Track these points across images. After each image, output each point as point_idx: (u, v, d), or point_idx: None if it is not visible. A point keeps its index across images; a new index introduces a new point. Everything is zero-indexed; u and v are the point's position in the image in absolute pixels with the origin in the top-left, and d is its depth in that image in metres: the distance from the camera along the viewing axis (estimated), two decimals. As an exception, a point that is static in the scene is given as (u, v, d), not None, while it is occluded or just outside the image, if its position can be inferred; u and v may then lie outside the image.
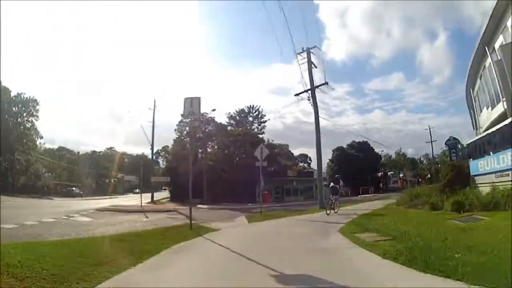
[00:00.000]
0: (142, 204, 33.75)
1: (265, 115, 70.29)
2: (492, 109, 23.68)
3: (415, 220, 13.07)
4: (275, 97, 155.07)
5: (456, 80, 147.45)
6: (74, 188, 71.78)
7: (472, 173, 19.94)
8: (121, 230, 13.14)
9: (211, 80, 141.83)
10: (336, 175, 23.53)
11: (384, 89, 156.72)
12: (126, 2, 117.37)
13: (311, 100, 29.24)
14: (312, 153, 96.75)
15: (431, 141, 64.07)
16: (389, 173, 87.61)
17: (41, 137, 67.94)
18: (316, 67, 30.28)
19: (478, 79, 28.17)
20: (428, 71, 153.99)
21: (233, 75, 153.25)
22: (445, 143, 47.37)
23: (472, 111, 39.31)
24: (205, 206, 34.91)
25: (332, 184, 21.21)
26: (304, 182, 61.84)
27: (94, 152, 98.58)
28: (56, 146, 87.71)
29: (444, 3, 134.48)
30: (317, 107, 28.98)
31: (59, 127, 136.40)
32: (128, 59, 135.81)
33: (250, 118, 71.20)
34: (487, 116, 25.98)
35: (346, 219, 15.05)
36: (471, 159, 21.24)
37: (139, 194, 40.80)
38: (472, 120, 44.48)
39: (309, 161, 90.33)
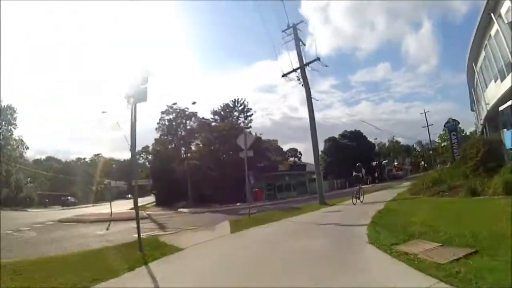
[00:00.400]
0: (119, 211, 30.99)
1: (251, 109, 66.96)
2: (502, 81, 21.38)
3: (465, 213, 10.05)
4: (261, 94, 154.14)
5: (443, 67, 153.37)
6: (69, 198, 70.08)
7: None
8: (48, 251, 10.75)
9: (196, 81, 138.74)
10: (358, 164, 21.79)
11: (370, 80, 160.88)
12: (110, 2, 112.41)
13: (301, 80, 25.06)
14: (301, 147, 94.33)
15: (427, 126, 60.63)
16: (383, 161, 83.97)
17: (27, 148, 66.22)
18: (304, 44, 26.46)
19: (483, 51, 25.61)
20: (414, 60, 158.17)
21: (219, 74, 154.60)
22: (445, 126, 43.97)
23: (472, 89, 37.20)
24: (186, 210, 31.00)
25: (354, 173, 20.78)
26: (297, 177, 58.86)
27: (79, 159, 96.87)
28: (44, 157, 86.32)
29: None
30: (308, 87, 25.33)
31: (49, 137, 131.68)
32: (111, 59, 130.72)
33: (236, 113, 67.35)
34: (495, 90, 23.89)
35: (365, 218, 11.52)
36: (505, 130, 17.46)
37: (131, 200, 37.60)
38: (472, 99, 41.41)
39: (300, 155, 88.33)
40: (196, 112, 53.28)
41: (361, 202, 18.69)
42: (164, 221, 22.78)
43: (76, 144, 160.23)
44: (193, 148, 55.01)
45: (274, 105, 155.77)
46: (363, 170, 22.17)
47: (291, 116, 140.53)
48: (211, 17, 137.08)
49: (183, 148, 52.86)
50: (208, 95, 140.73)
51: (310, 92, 25.17)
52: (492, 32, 21.57)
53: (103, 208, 42.55)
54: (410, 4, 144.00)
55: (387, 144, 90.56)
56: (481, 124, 36.15)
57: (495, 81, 23.33)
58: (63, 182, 79.77)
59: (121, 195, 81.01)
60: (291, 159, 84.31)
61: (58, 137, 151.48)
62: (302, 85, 25.20)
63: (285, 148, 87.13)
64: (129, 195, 65.90)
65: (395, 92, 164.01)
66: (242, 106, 67.69)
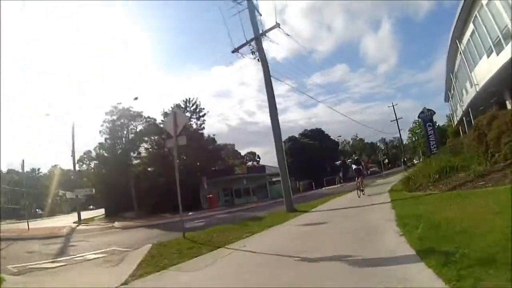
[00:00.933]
0: (50, 226, 27.25)
1: (203, 108, 59.95)
2: (498, 54, 18.98)
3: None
4: (218, 99, 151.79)
5: (403, 66, 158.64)
6: (38, 210, 69.22)
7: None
8: None
9: (153, 86, 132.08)
10: (356, 157, 23.46)
11: (328, 82, 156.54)
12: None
13: (256, 54, 19.54)
14: (260, 151, 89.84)
15: (396, 119, 56.58)
16: (347, 161, 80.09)
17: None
18: (260, 15, 21.63)
19: (470, 24, 22.97)
20: (373, 60, 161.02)
21: (176, 80, 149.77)
22: (419, 116, 39.56)
23: (452, 75, 34.21)
24: (119, 225, 24.88)
25: (354, 166, 20.39)
26: (256, 180, 53.07)
27: (33, 170, 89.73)
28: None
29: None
30: (266, 62, 19.62)
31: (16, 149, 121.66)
32: (68, 64, 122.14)
33: (188, 113, 60.70)
34: (488, 65, 21.15)
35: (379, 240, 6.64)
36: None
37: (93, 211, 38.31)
38: (448, 88, 37.61)
39: (258, 159, 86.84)
40: (141, 112, 48.02)
41: (364, 194, 18.55)
42: (73, 243, 16.29)
43: (40, 155, 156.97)
44: (142, 152, 49.96)
45: (231, 111, 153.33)
46: (363, 163, 22.19)
47: (248, 121, 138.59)
48: (168, 21, 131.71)
49: (132, 153, 48.14)
50: (167, 99, 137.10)
51: (268, 68, 19.70)
52: (484, 0, 19.43)
53: (53, 221, 39.11)
54: (370, 3, 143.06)
55: (351, 142, 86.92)
56: (462, 112, 32.14)
57: (488, 56, 20.71)
58: (19, 194, 72.21)
59: (83, 206, 75.94)
60: (250, 163, 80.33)
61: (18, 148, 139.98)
62: (258, 59, 19.71)
63: (243, 153, 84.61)
64: (91, 206, 59.62)
65: (354, 93, 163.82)
66: (194, 106, 61.30)
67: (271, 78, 19.59)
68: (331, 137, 71.38)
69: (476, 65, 24.09)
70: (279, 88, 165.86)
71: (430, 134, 38.29)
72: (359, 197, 17.95)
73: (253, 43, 19.97)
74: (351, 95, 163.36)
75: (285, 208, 17.32)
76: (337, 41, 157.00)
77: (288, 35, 21.53)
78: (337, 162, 71.59)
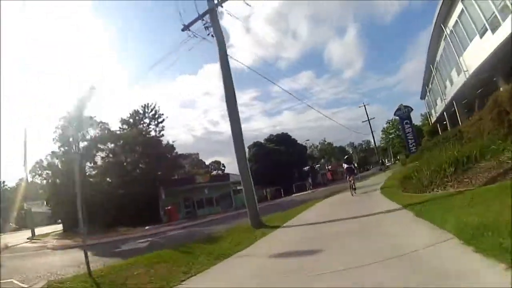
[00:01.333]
0: None
1: (162, 114, 54.88)
2: (493, 32, 17.02)
3: None
4: (183, 110, 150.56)
5: (369, 71, 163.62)
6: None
7: None
8: None
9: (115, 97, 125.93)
10: (347, 156, 22.82)
11: (292, 89, 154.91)
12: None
13: (210, 30, 15.20)
14: (224, 160, 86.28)
15: (368, 120, 53.19)
16: (316, 166, 76.67)
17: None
18: None
19: (459, 4, 20.58)
20: (339, 65, 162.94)
21: (140, 91, 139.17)
22: (395, 114, 36.12)
23: (432, 66, 31.37)
24: (53, 245, 20.82)
25: (346, 165, 19.91)
26: (219, 189, 48.50)
27: None
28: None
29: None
30: (223, 42, 15.22)
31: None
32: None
33: (147, 120, 55.49)
34: (480, 48, 18.98)
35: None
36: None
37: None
38: (426, 83, 34.59)
39: (223, 168, 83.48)
40: (93, 117, 42.08)
41: (355, 193, 17.95)
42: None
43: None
44: (98, 162, 45.14)
45: (196, 121, 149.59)
46: (354, 162, 22.82)
47: (212, 131, 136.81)
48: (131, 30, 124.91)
49: (88, 163, 43.91)
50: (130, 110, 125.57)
51: (225, 48, 15.34)
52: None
53: (9, 237, 36.73)
54: (336, 9, 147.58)
55: (319, 146, 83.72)
56: (445, 105, 28.98)
57: (481, 36, 18.50)
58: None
59: (50, 220, 70.33)
60: (214, 172, 76.38)
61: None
62: (212, 35, 15.34)
63: (208, 162, 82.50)
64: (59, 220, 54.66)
65: (320, 99, 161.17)
66: (153, 112, 56.18)
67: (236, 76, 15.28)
68: (298, 142, 67.58)
69: (465, 50, 21.49)
70: (242, 97, 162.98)
71: (408, 132, 35.23)
72: (352, 195, 17.45)
73: (207, 17, 15.64)
74: (317, 101, 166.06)
75: (250, 222, 12.98)
76: (302, 47, 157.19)
77: (249, 5, 17.25)
78: (306, 168, 68.08)
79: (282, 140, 63.73)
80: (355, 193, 17.89)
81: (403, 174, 14.69)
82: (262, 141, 63.89)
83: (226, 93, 14.34)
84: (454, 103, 27.03)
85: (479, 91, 24.30)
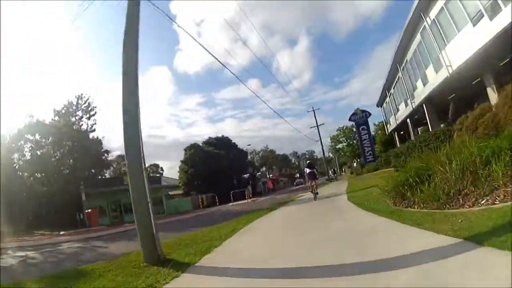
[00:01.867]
0: None
1: (96, 107, 47.31)
2: (492, 19, 14.18)
3: None
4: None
5: (316, 83, 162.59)
6: None
7: None
8: None
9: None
10: (309, 161, 20.91)
11: (236, 98, 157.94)
12: None
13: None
14: (166, 165, 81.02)
15: (317, 125, 49.05)
16: (256, 174, 71.88)
17: None
18: None
19: None
20: (286, 76, 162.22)
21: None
22: (350, 119, 31.99)
23: (398, 66, 27.55)
24: None
25: (308, 170, 18.35)
26: (151, 192, 40.74)
27: None
28: None
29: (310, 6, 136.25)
30: None
31: None
32: None
33: (80, 112, 47.81)
34: (471, 39, 15.95)
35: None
36: None
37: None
38: (387, 87, 30.76)
39: (161, 171, 79.90)
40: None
41: (316, 198, 16.53)
42: None
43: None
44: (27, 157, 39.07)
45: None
46: (316, 167, 22.17)
47: (153, 135, 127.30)
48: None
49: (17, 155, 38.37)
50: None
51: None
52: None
53: None
54: (290, 21, 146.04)
55: (261, 153, 79.05)
56: (412, 109, 25.22)
57: (475, 25, 15.54)
58: None
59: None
60: (152, 174, 68.34)
61: None
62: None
63: (146, 165, 70.70)
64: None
65: (264, 109, 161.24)
66: (86, 104, 48.57)
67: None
68: (238, 147, 62.20)
69: (450, 41, 17.92)
70: (186, 102, 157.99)
71: (365, 140, 31.20)
72: (314, 200, 16.30)
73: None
74: (261, 111, 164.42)
75: (143, 255, 7.37)
76: (251, 55, 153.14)
77: None
78: (246, 175, 63.08)
79: (222, 144, 58.09)
80: (316, 197, 16.75)
81: (394, 182, 9.90)
82: (201, 144, 57.95)
83: (127, 56, 8.66)
84: (425, 106, 23.28)
85: (452, 95, 21.24)
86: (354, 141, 57.66)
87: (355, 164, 75.77)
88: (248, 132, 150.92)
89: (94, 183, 38.78)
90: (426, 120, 23.72)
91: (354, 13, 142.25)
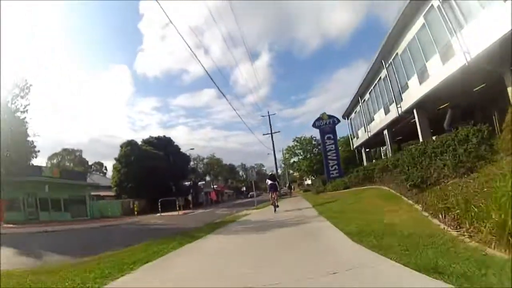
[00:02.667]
0: None
1: (31, 85, 39.60)
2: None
3: None
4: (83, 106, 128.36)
5: (273, 99, 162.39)
6: None
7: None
8: None
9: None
10: (271, 173, 21.50)
11: (191, 106, 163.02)
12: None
13: None
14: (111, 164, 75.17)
15: (271, 133, 43.89)
16: (199, 182, 65.38)
17: None
18: None
19: None
20: (243, 89, 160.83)
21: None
22: (314, 125, 26.80)
23: (383, 62, 22.12)
24: None
25: (270, 182, 17.90)
26: (73, 189, 37.04)
27: None
28: None
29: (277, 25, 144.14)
30: None
31: None
32: None
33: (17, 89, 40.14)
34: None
35: None
36: None
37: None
38: (361, 91, 25.85)
39: (105, 171, 75.82)
40: None
41: (277, 210, 16.16)
42: None
43: None
44: None
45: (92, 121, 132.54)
46: (278, 180, 21.71)
47: (106, 134, 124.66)
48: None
49: None
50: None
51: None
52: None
53: None
54: (253, 33, 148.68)
55: (205, 160, 72.57)
56: (398, 115, 20.33)
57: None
58: None
59: None
60: (96, 173, 68.58)
61: None
62: None
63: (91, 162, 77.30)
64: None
65: (216, 119, 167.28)
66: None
67: None
68: (181, 151, 55.27)
69: (470, 20, 12.91)
70: (142, 105, 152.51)
71: (330, 151, 25.90)
72: (275, 212, 15.55)
73: None
74: (213, 121, 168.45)
75: None
76: (210, 65, 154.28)
77: None
78: (187, 183, 56.61)
79: (162, 145, 50.91)
80: (277, 207, 16.44)
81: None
82: (140, 142, 50.65)
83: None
84: (416, 112, 18.34)
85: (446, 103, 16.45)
86: (312, 155, 52.57)
87: (308, 181, 71.01)
88: (199, 141, 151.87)
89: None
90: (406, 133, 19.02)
91: (320, 34, 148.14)
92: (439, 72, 15.15)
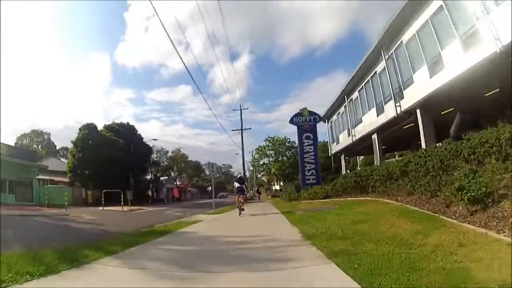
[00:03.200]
0: None
1: None
2: None
3: None
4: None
5: (248, 101, 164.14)
6: None
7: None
8: None
9: None
10: (240, 175, 19.52)
11: (166, 100, 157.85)
12: None
13: None
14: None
15: (241, 129, 40.63)
16: (161, 177, 61.13)
17: None
18: None
19: None
20: (219, 89, 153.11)
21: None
22: (291, 121, 23.56)
23: (382, 51, 18.66)
24: None
25: (237, 184, 17.07)
26: (24, 170, 32.36)
27: None
28: None
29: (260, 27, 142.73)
30: None
31: None
32: None
33: None
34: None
35: None
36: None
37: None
38: (355, 81, 22.80)
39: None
40: None
41: (242, 213, 15.20)
42: None
43: None
44: None
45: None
46: (246, 183, 21.98)
47: (79, 121, 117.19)
48: None
49: None
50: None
51: None
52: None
53: None
54: (236, 33, 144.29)
55: (169, 153, 68.08)
56: (396, 114, 17.31)
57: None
58: None
59: None
60: (62, 159, 61.75)
61: None
62: None
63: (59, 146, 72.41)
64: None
65: (188, 117, 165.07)
66: None
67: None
68: (144, 141, 50.72)
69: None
70: (117, 95, 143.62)
71: (308, 152, 22.41)
72: (240, 215, 14.63)
73: None
74: (185, 119, 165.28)
75: None
76: (189, 60, 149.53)
77: None
78: (148, 177, 52.41)
79: (124, 132, 46.70)
80: (243, 211, 15.32)
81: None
82: (101, 128, 46.07)
83: None
84: (419, 113, 15.23)
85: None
86: (284, 157, 48.75)
87: (276, 187, 67.43)
88: (170, 137, 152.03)
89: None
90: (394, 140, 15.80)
91: (302, 41, 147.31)
92: (459, 61, 12.07)
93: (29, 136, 71.74)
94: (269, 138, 50.75)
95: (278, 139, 49.65)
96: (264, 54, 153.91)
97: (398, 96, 16.87)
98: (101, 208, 26.01)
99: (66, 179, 41.45)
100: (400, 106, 16.59)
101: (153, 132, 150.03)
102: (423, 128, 15.10)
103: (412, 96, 15.47)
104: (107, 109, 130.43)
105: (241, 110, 42.40)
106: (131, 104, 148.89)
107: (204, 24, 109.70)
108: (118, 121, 49.63)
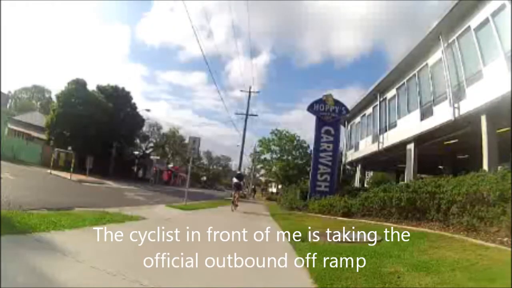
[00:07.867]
0: None
1: None
2: None
3: None
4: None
5: (260, 99, 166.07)
6: None
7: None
8: None
9: None
10: (239, 173, 21.36)
11: (177, 84, 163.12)
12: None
13: None
14: None
15: (246, 114, 36.95)
16: (153, 157, 57.71)
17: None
18: None
19: None
20: (233, 82, 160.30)
21: None
22: (309, 109, 19.50)
23: (441, 36, 14.85)
24: None
25: (236, 180, 17.96)
26: None
27: None
28: None
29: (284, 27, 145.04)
30: None
31: None
32: None
33: None
34: None
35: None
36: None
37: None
38: (394, 78, 19.27)
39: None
40: None
41: (236, 209, 16.00)
42: None
43: None
44: None
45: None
46: (244, 180, 22.58)
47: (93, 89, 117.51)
48: None
49: None
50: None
51: None
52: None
53: None
54: (259, 31, 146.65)
55: (163, 129, 64.46)
56: (454, 119, 13.89)
57: None
58: None
59: None
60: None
61: None
62: None
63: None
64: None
65: (196, 104, 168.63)
66: None
67: None
68: (137, 111, 46.93)
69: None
70: (129, 70, 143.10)
71: (324, 151, 18.59)
72: (232, 211, 15.20)
73: None
74: (193, 105, 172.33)
75: None
76: (209, 47, 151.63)
77: None
78: (137, 152, 49.12)
79: (117, 97, 42.79)
80: (235, 209, 15.89)
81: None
82: (94, 89, 42.20)
83: None
84: (485, 120, 11.71)
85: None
86: (290, 156, 43.67)
87: (273, 189, 64.05)
88: (175, 120, 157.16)
89: None
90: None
91: (323, 50, 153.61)
92: None
93: (30, 91, 73.29)
94: (275, 131, 45.09)
95: (287, 134, 44.27)
96: (283, 55, 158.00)
97: (458, 95, 13.30)
98: (49, 171, 23.44)
99: (44, 136, 38.29)
100: (458, 108, 13.05)
101: (160, 113, 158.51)
102: (488, 142, 11.53)
103: (476, 97, 11.98)
104: (118, 82, 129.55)
105: (250, 92, 38.46)
106: (142, 81, 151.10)
107: (231, 14, 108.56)
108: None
